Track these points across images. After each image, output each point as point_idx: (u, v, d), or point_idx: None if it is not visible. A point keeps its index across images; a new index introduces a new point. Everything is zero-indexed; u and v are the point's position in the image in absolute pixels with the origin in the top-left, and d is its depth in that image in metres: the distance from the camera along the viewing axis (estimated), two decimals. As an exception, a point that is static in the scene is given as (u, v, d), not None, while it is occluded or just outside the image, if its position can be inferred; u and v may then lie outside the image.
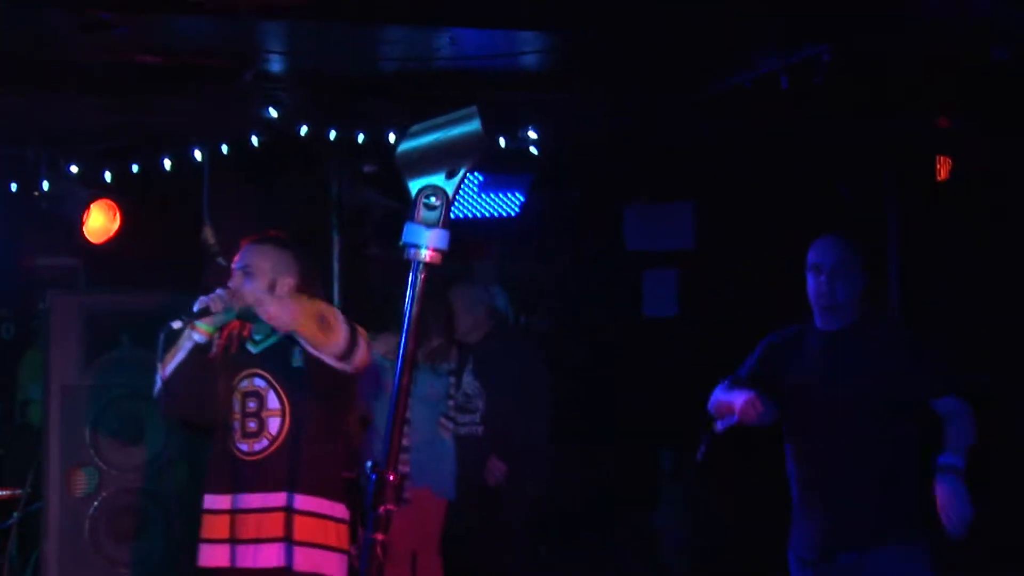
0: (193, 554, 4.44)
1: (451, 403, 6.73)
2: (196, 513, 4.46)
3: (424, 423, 6.63)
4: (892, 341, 4.41)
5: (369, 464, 2.02)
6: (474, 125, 2.06)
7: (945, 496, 4.06)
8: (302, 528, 4.28)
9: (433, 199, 2.04)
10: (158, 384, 4.40)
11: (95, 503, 5.44)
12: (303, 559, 4.27)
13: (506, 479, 6.85)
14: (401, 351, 2.04)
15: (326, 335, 4.11)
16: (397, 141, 6.10)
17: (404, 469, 6.38)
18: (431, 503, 6.73)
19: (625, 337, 8.50)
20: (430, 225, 2.04)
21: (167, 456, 5.55)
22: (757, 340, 4.64)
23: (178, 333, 4.24)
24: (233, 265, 4.46)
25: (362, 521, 6.20)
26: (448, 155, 2.03)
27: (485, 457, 6.84)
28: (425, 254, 2.05)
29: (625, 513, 8.29)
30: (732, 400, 4.34)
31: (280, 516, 4.29)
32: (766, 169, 7.42)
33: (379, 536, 1.99)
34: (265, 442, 4.34)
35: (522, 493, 6.96)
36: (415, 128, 2.08)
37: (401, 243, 2.07)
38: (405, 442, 6.42)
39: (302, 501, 4.29)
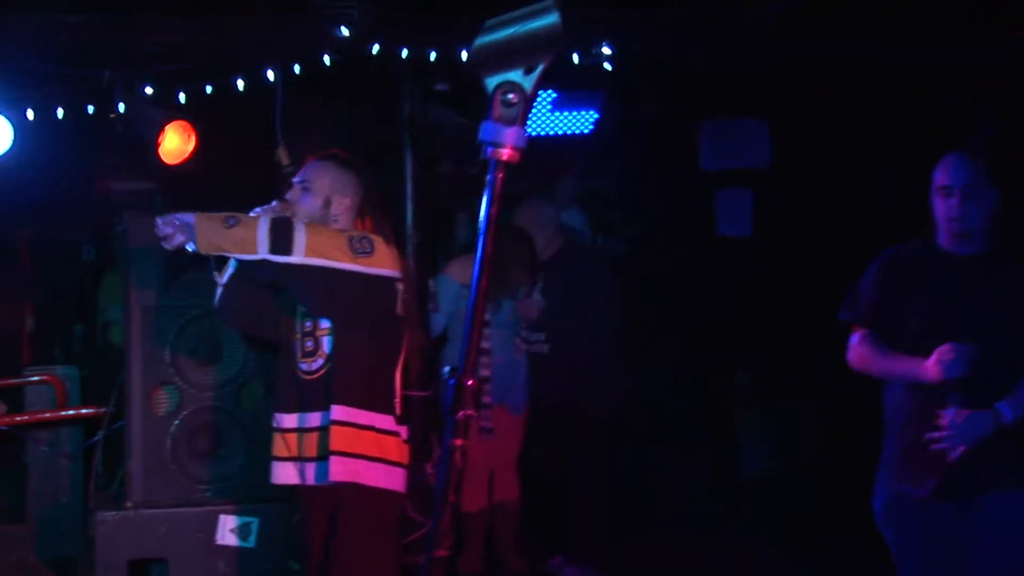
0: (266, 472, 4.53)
1: (523, 323, 6.75)
2: (270, 431, 4.52)
3: (503, 348, 6.67)
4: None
5: (447, 369, 1.98)
6: (552, 18, 2.00)
7: (964, 416, 3.94)
8: (338, 438, 4.27)
9: (511, 96, 1.98)
10: (217, 294, 4.50)
11: (176, 421, 5.47)
12: (339, 468, 4.27)
13: (576, 395, 6.85)
14: (479, 252, 2.00)
15: (232, 231, 4.14)
16: (471, 45, 6.12)
17: (485, 372, 6.43)
18: (507, 422, 6.76)
19: (699, 257, 8.42)
20: (508, 123, 1.99)
21: (244, 375, 5.56)
22: (831, 262, 4.52)
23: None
24: (293, 179, 4.50)
25: (439, 440, 6.29)
26: (526, 50, 1.97)
27: (553, 374, 6.85)
28: (504, 152, 1.99)
29: (702, 431, 8.27)
30: (910, 369, 4.08)
31: (319, 433, 4.36)
32: (844, 88, 7.26)
33: (458, 442, 1.96)
34: (321, 361, 4.38)
35: (592, 409, 6.96)
36: (491, 22, 2.02)
37: (479, 140, 2.01)
38: (485, 372, 6.45)
39: (338, 412, 4.28)
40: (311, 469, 4.40)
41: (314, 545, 4.49)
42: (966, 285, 4.11)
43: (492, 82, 1.98)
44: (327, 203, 4.44)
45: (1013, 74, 6.84)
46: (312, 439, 4.39)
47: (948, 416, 3.97)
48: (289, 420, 4.46)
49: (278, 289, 4.49)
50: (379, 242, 4.34)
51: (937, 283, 4.16)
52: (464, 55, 6.15)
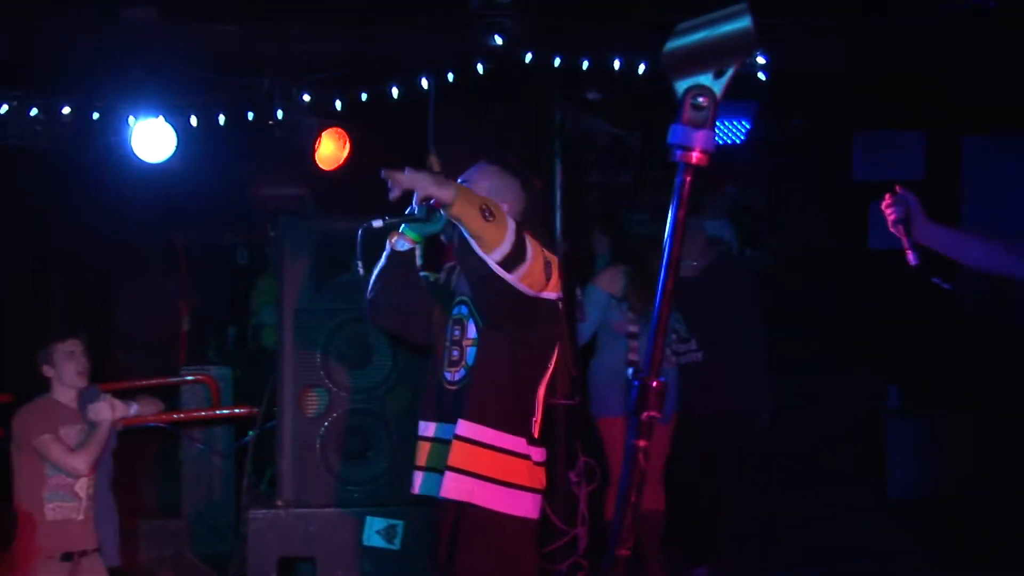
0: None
1: (672, 336, 6.74)
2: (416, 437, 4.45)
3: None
4: None
5: (631, 371, 1.99)
6: (744, 22, 1.99)
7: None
8: (457, 454, 4.13)
9: (701, 100, 1.97)
10: (370, 286, 4.36)
11: (325, 423, 5.55)
12: (451, 485, 4.13)
13: (725, 406, 6.81)
14: (666, 255, 2.00)
15: (486, 225, 3.88)
16: (624, 59, 6.10)
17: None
18: (655, 432, 6.73)
19: (851, 269, 8.29)
20: (698, 126, 1.98)
21: (392, 380, 5.61)
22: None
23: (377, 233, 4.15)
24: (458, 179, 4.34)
25: (581, 448, 6.29)
26: (717, 53, 1.96)
27: (704, 383, 6.81)
28: (693, 155, 1.99)
29: (850, 446, 8.14)
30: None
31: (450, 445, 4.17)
32: (1004, 97, 7.08)
33: (642, 443, 1.96)
34: (463, 372, 4.23)
35: (742, 421, 6.90)
36: (682, 26, 2.01)
37: (667, 143, 2.02)
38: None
39: (464, 427, 4.14)
40: (438, 481, 4.21)
41: (439, 557, 4.33)
42: None
43: (682, 86, 1.97)
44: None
45: None
46: (446, 451, 4.20)
47: None
48: (427, 428, 4.34)
49: (436, 290, 4.42)
50: (555, 265, 4.16)
51: None
52: (616, 64, 6.15)
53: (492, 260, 3.96)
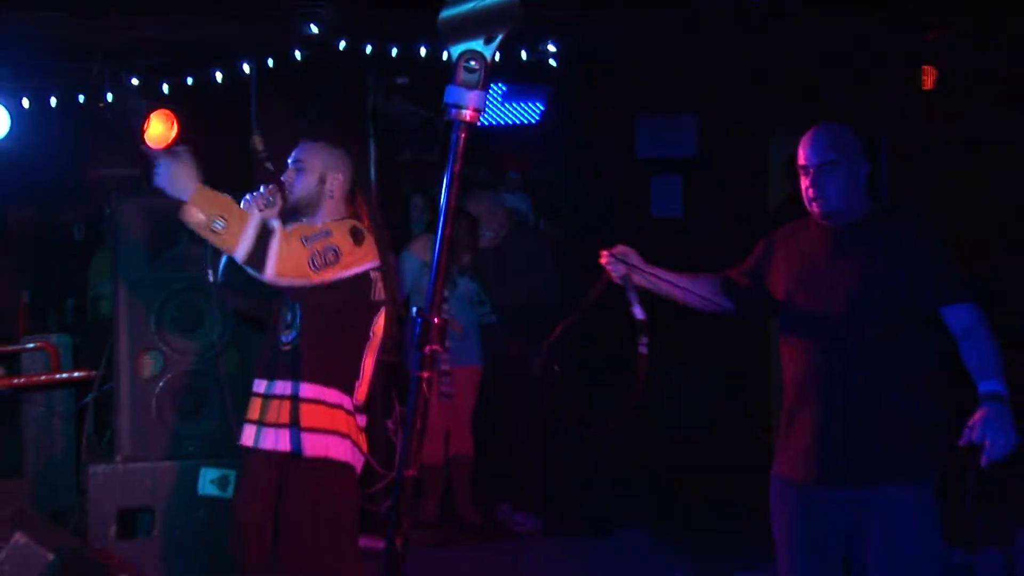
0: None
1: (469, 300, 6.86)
2: (247, 394, 4.44)
3: (460, 317, 6.75)
4: (902, 239, 3.56)
5: (415, 309, 1.99)
6: None
7: (991, 421, 3.22)
8: (308, 415, 4.16)
9: (473, 63, 1.98)
10: (220, 269, 4.39)
11: (160, 383, 5.45)
12: (311, 444, 4.15)
13: (523, 361, 6.90)
14: (443, 204, 2.00)
15: (212, 234, 3.95)
16: (430, 46, 6.10)
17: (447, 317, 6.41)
18: (462, 385, 6.80)
19: (636, 236, 8.45)
20: (470, 87, 1.98)
21: (223, 342, 5.52)
22: (755, 241, 4.00)
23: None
24: (287, 159, 4.37)
25: (400, 399, 6.30)
26: (486, 22, 1.96)
27: (501, 342, 6.92)
28: (466, 113, 1.99)
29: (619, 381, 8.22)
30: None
31: (288, 404, 4.20)
32: (760, 81, 7.30)
33: (425, 374, 1.97)
34: (294, 334, 4.24)
35: (536, 377, 7.01)
36: None
37: (443, 104, 2.02)
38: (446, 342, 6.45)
39: (307, 389, 4.17)
40: (268, 434, 4.23)
41: (254, 506, 4.31)
42: (834, 254, 3.62)
43: (456, 51, 1.98)
44: (322, 180, 4.31)
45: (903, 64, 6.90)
46: (272, 406, 4.24)
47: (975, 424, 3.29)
48: (259, 385, 4.32)
49: None
50: (347, 245, 4.16)
51: (806, 252, 3.69)
52: (423, 51, 6.15)
53: (238, 259, 4.02)
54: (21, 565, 4.02)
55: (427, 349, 1.93)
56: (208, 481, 5.41)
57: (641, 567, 6.34)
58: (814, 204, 3.62)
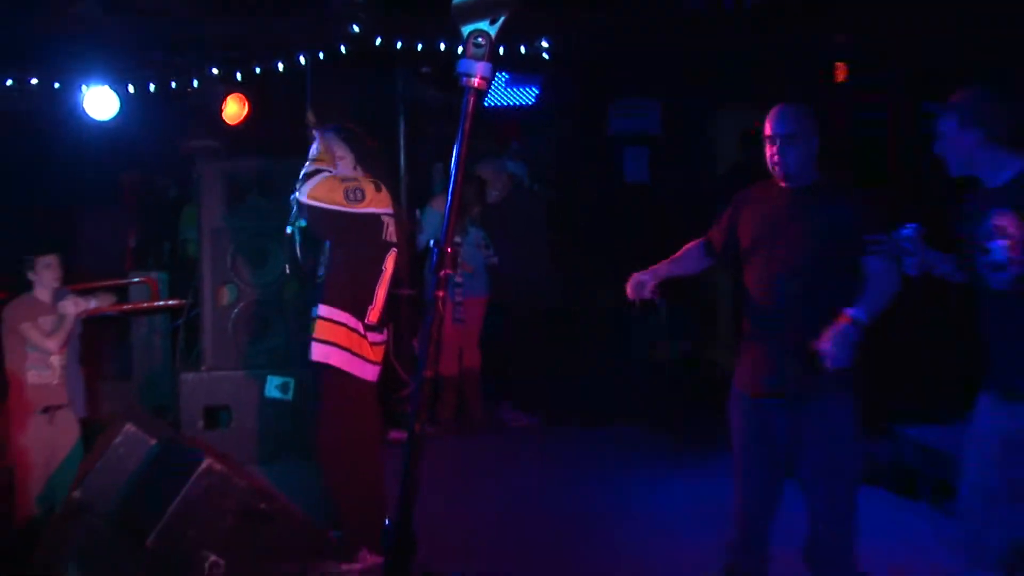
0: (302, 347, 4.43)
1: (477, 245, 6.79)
2: (306, 317, 4.44)
3: (470, 260, 6.70)
4: (846, 204, 3.48)
5: (431, 241, 1.92)
6: None
7: (837, 338, 3.18)
8: (319, 329, 4.22)
9: (480, 40, 1.90)
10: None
11: (235, 310, 5.36)
12: (316, 351, 4.22)
13: (520, 295, 6.89)
14: (455, 157, 1.92)
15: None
16: (448, 42, 5.99)
17: (458, 279, 6.39)
18: (472, 312, 6.75)
19: (611, 199, 8.40)
20: (478, 59, 1.91)
21: (284, 277, 5.45)
22: (707, 201, 4.06)
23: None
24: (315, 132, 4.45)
25: (414, 331, 6.24)
26: (491, 6, 1.88)
27: (504, 280, 6.91)
28: (475, 80, 1.91)
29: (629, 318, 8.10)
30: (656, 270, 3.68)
31: (315, 322, 4.27)
32: (710, 73, 7.19)
33: (440, 293, 1.90)
34: (323, 270, 4.32)
35: (529, 303, 7.00)
36: None
37: (455, 74, 1.93)
38: (458, 278, 6.40)
39: (322, 309, 4.23)
40: (311, 346, 4.28)
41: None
42: (789, 210, 3.53)
43: (467, 29, 1.91)
44: (331, 154, 4.39)
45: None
46: (313, 325, 4.29)
47: (826, 336, 3.23)
48: (312, 312, 4.35)
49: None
50: (370, 190, 4.24)
51: (767, 209, 3.60)
52: (442, 46, 6.04)
53: (294, 195, 4.22)
54: (131, 448, 4.04)
55: (442, 273, 1.87)
56: (273, 386, 5.35)
57: (630, 456, 6.16)
58: (776, 168, 3.53)
